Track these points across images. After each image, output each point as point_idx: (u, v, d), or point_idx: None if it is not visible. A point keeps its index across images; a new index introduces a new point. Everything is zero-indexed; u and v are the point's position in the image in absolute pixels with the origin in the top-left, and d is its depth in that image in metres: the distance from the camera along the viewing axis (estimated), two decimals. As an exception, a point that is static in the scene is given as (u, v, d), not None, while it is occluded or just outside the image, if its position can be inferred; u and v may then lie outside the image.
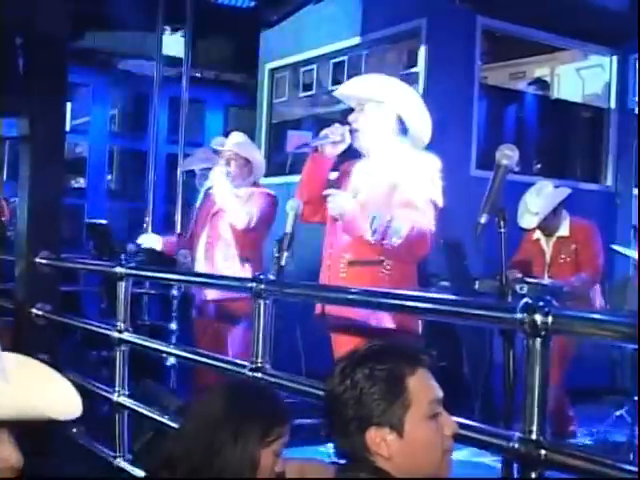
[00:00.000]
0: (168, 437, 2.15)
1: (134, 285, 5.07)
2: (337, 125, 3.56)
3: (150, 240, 5.74)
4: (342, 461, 1.83)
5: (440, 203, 3.44)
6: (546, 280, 5.44)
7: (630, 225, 7.30)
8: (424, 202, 3.38)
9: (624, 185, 7.74)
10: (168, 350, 4.07)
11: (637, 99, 7.25)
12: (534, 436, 1.99)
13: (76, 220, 9.31)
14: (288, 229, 3.23)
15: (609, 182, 7.70)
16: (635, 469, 1.81)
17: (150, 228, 7.70)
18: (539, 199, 5.40)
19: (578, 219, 5.49)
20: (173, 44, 8.56)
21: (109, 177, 10.74)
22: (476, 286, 4.94)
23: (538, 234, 5.53)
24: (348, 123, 3.58)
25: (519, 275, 5.20)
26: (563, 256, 5.42)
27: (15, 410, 1.24)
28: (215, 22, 8.35)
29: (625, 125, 7.75)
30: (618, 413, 5.83)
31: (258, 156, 5.24)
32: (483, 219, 2.37)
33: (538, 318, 1.97)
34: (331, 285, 3.19)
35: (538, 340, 1.98)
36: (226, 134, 5.44)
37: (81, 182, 10.98)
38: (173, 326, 6.92)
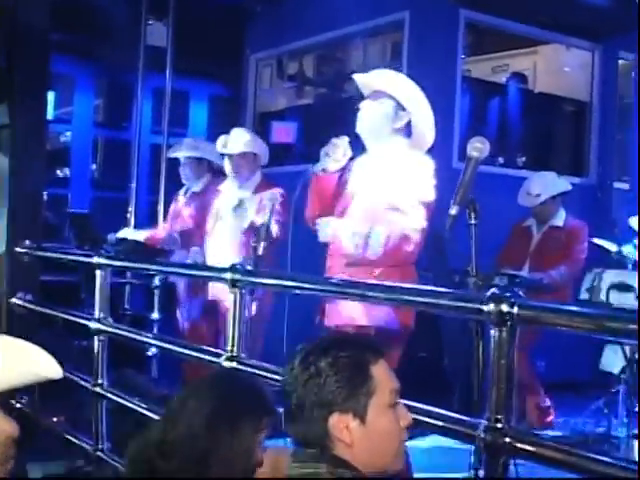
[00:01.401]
0: (156, 424, 2.14)
1: (116, 275, 5.11)
2: (335, 142, 3.59)
3: (132, 233, 5.78)
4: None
5: (431, 201, 3.50)
6: (525, 272, 5.50)
7: (610, 219, 7.35)
8: (411, 205, 3.44)
9: (605, 179, 7.79)
10: (144, 340, 4.07)
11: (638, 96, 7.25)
12: (499, 424, 2.02)
13: (60, 210, 9.29)
14: (265, 219, 3.26)
15: (590, 175, 7.75)
16: (607, 459, 1.84)
17: (133, 218, 7.70)
18: (542, 182, 5.55)
19: (573, 217, 5.63)
20: (157, 34, 8.53)
21: (93, 167, 10.71)
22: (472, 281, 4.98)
23: (530, 221, 5.65)
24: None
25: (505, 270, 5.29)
26: (550, 245, 5.52)
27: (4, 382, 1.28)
28: (199, 12, 8.33)
29: (607, 119, 7.79)
30: (596, 405, 5.89)
31: (264, 146, 5.29)
32: (454, 211, 2.40)
33: (504, 308, 2.00)
34: (306, 275, 3.20)
35: (504, 330, 2.02)
36: (223, 131, 5.42)
37: (65, 172, 10.95)
38: (155, 316, 6.95)
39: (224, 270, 3.04)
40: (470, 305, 2.15)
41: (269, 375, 2.89)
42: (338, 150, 3.54)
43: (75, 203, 9.88)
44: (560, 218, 5.61)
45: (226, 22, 8.70)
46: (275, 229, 4.39)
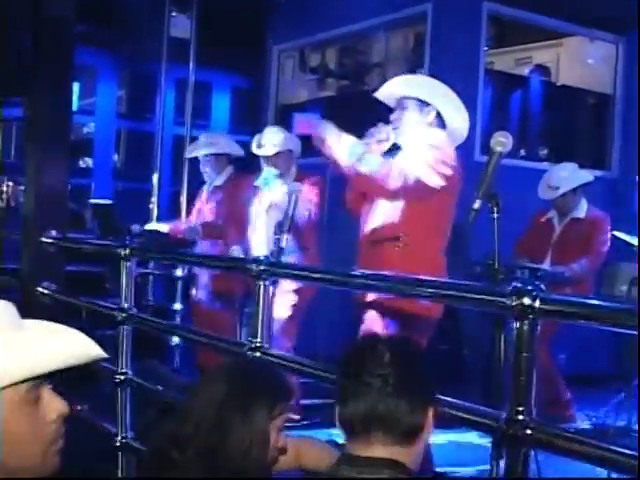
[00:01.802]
0: (173, 416, 2.18)
1: (139, 266, 5.15)
2: (381, 124, 3.75)
3: (155, 225, 5.84)
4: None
5: (430, 183, 3.58)
6: (547, 265, 5.50)
7: (632, 212, 7.32)
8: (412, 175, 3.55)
9: (628, 172, 7.76)
10: (169, 329, 4.12)
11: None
12: (521, 416, 2.05)
13: (82, 200, 9.36)
14: (290, 211, 3.29)
15: (613, 169, 7.72)
16: (627, 451, 1.85)
17: (156, 209, 7.75)
18: (562, 175, 5.53)
19: (595, 208, 5.60)
20: (180, 25, 8.57)
21: (115, 157, 10.78)
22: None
23: (552, 213, 5.63)
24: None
25: (523, 261, 5.29)
26: (572, 237, 5.50)
27: (60, 360, 1.33)
28: (222, 3, 8.36)
29: (630, 112, 7.76)
30: (617, 399, 5.88)
31: (296, 141, 5.27)
32: (477, 205, 2.43)
33: (526, 302, 2.02)
34: (328, 267, 3.24)
35: (526, 323, 2.04)
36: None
37: (88, 162, 11.01)
38: (177, 306, 7.02)
39: (249, 261, 3.07)
40: (493, 298, 2.17)
41: (293, 365, 2.94)
42: (382, 130, 3.63)
43: (98, 193, 9.95)
44: (582, 210, 5.59)
45: (248, 14, 8.74)
46: (303, 219, 4.50)
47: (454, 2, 6.91)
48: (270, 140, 5.16)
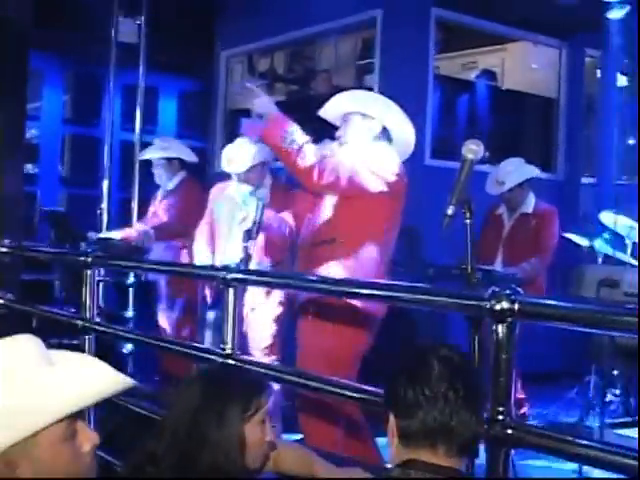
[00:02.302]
0: (151, 432, 2.20)
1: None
2: (327, 140, 3.83)
3: (109, 233, 5.80)
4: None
5: (366, 184, 3.63)
6: (498, 264, 5.60)
7: (578, 214, 7.50)
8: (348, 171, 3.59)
9: (573, 174, 7.95)
10: (139, 337, 4.11)
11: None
12: (501, 417, 2.11)
13: (29, 207, 9.23)
14: (256, 218, 3.31)
15: (558, 172, 7.89)
16: (607, 447, 1.93)
17: (106, 216, 7.68)
18: (509, 170, 5.61)
19: (543, 202, 5.69)
20: (128, 30, 8.51)
21: (62, 164, 10.65)
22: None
23: (502, 209, 5.70)
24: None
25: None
26: (521, 234, 5.58)
27: (94, 395, 1.36)
28: (170, 8, 8.33)
29: (574, 115, 7.94)
30: (570, 395, 6.02)
31: (268, 150, 4.82)
32: (450, 211, 2.48)
33: (505, 305, 2.08)
34: (296, 273, 3.28)
35: (504, 326, 2.10)
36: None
37: (34, 169, 10.85)
38: (129, 314, 6.96)
39: (218, 269, 3.09)
40: (471, 302, 2.22)
41: (265, 371, 2.96)
42: (327, 148, 3.69)
43: (44, 200, 9.82)
44: (530, 205, 5.64)
45: (197, 18, 8.72)
46: (277, 234, 4.40)
47: (403, 8, 6.99)
48: (240, 155, 4.87)
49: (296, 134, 3.56)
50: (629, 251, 5.77)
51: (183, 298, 5.49)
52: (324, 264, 3.54)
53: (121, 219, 7.76)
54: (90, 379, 1.40)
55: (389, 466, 1.95)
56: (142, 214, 6.54)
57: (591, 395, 5.50)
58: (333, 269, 3.50)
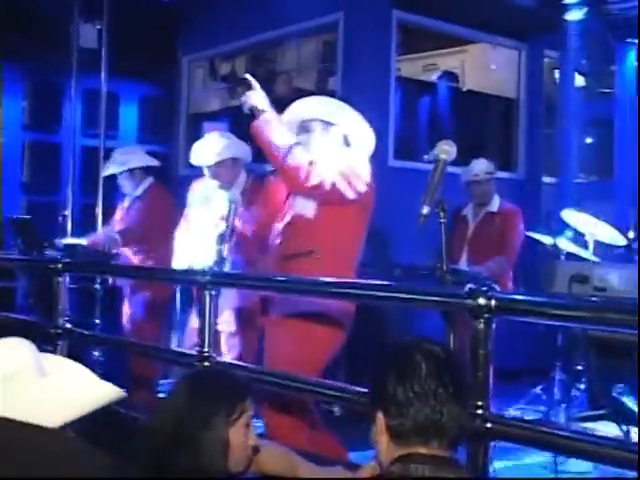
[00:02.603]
0: (136, 438, 2.22)
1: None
2: (292, 144, 3.73)
3: (74, 239, 5.78)
4: None
5: (345, 192, 3.60)
6: (464, 263, 5.67)
7: (539, 212, 7.62)
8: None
9: (534, 174, 8.07)
10: (114, 343, 4.11)
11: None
12: (480, 411, 2.16)
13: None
14: (229, 222, 3.33)
15: (519, 171, 8.00)
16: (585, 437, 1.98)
17: (70, 222, 7.65)
18: (482, 166, 5.73)
19: (507, 202, 5.80)
20: (88, 35, 8.48)
21: (22, 170, 10.56)
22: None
23: (467, 210, 5.78)
24: None
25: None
26: (486, 233, 5.66)
27: (86, 408, 1.37)
28: (131, 13, 8.30)
29: (534, 115, 8.07)
30: (535, 391, 6.11)
31: (243, 147, 4.95)
32: (425, 210, 2.52)
33: (482, 302, 2.14)
34: (272, 275, 3.30)
35: (482, 322, 2.15)
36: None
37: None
38: (96, 320, 6.92)
39: (196, 273, 3.11)
40: (449, 300, 2.27)
41: (243, 373, 2.98)
42: (294, 151, 3.65)
43: (6, 208, 9.72)
44: (495, 204, 5.76)
45: (158, 24, 8.70)
46: (248, 232, 4.39)
47: (365, 11, 7.05)
48: (209, 148, 4.80)
49: (287, 134, 3.56)
50: (591, 248, 5.89)
51: (150, 300, 5.48)
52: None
53: (85, 225, 7.72)
54: (82, 391, 1.41)
55: (373, 463, 1.99)
56: (106, 220, 6.52)
57: (556, 390, 5.60)
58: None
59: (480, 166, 5.79)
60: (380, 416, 1.84)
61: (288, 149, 3.52)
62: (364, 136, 3.85)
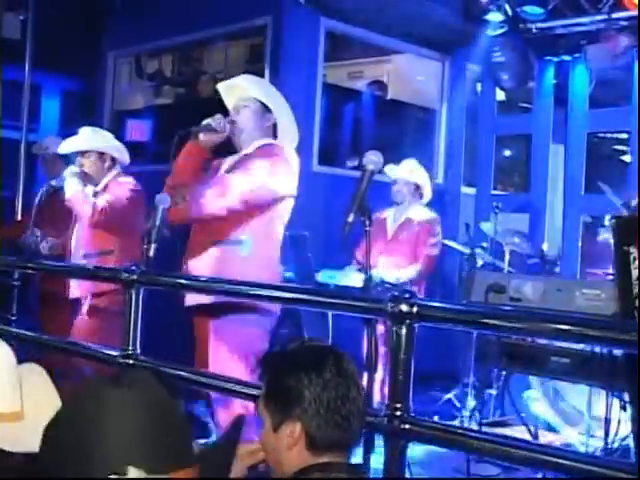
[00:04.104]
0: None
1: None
2: (219, 116, 3.72)
3: None
4: None
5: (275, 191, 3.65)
6: (381, 271, 5.76)
7: (457, 221, 7.80)
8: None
9: (452, 182, 8.26)
10: (37, 340, 4.07)
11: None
12: (399, 412, 2.25)
13: None
14: (156, 222, 3.34)
15: (439, 179, 8.17)
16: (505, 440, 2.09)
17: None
18: (412, 166, 5.83)
19: (426, 209, 5.88)
20: (9, 26, 8.34)
21: None
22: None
23: (387, 213, 5.84)
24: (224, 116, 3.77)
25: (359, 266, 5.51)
26: (404, 239, 5.72)
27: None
28: (58, 4, 8.20)
29: (455, 125, 8.26)
30: (447, 397, 6.27)
31: (116, 146, 5.07)
32: (350, 218, 2.60)
33: (404, 308, 2.22)
34: (199, 276, 3.34)
35: (403, 327, 2.24)
36: (76, 126, 5.35)
37: None
38: (13, 316, 6.81)
39: (121, 271, 3.12)
40: (372, 305, 2.36)
41: (165, 370, 3.02)
42: (219, 122, 3.67)
43: None
44: (415, 210, 5.87)
45: (84, 16, 8.61)
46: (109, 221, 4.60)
47: (293, 16, 7.11)
48: (73, 139, 4.98)
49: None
50: (507, 259, 6.06)
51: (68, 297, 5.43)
52: (229, 269, 3.45)
53: (3, 218, 7.60)
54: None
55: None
56: (26, 213, 6.42)
57: (467, 396, 5.76)
58: (239, 274, 3.37)
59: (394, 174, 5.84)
60: (294, 424, 1.83)
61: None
62: (292, 133, 3.87)
